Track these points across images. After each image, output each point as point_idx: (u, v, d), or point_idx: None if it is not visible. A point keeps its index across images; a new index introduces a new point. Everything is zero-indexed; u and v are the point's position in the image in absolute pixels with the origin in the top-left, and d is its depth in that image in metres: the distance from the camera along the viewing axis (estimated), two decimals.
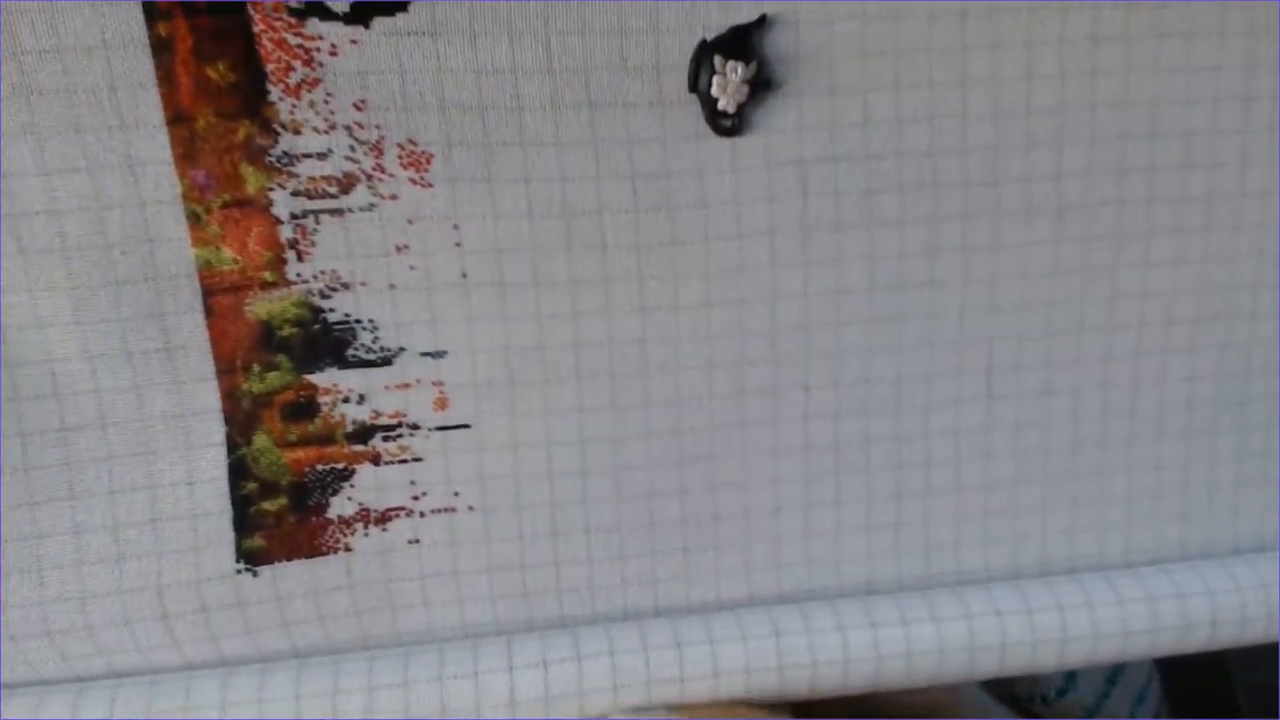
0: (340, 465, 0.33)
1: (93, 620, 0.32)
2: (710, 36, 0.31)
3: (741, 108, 0.32)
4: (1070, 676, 0.54)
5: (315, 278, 0.31)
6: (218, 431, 0.31)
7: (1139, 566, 0.39)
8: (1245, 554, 0.39)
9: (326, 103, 0.30)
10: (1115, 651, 0.37)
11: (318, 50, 0.29)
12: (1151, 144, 0.35)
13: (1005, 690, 0.54)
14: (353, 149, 0.30)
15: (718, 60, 0.31)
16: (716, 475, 0.35)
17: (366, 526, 0.33)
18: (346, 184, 0.30)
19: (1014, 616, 0.36)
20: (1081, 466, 0.38)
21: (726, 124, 0.32)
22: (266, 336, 0.31)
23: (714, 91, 0.32)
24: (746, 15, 0.31)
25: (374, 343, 0.32)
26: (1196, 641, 0.37)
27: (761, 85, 0.32)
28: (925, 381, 0.36)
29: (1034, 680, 0.54)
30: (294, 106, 0.29)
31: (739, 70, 0.31)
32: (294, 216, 0.30)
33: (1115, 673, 0.55)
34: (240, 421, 0.32)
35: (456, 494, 0.34)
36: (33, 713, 0.31)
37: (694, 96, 0.32)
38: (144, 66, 0.28)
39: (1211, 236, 0.36)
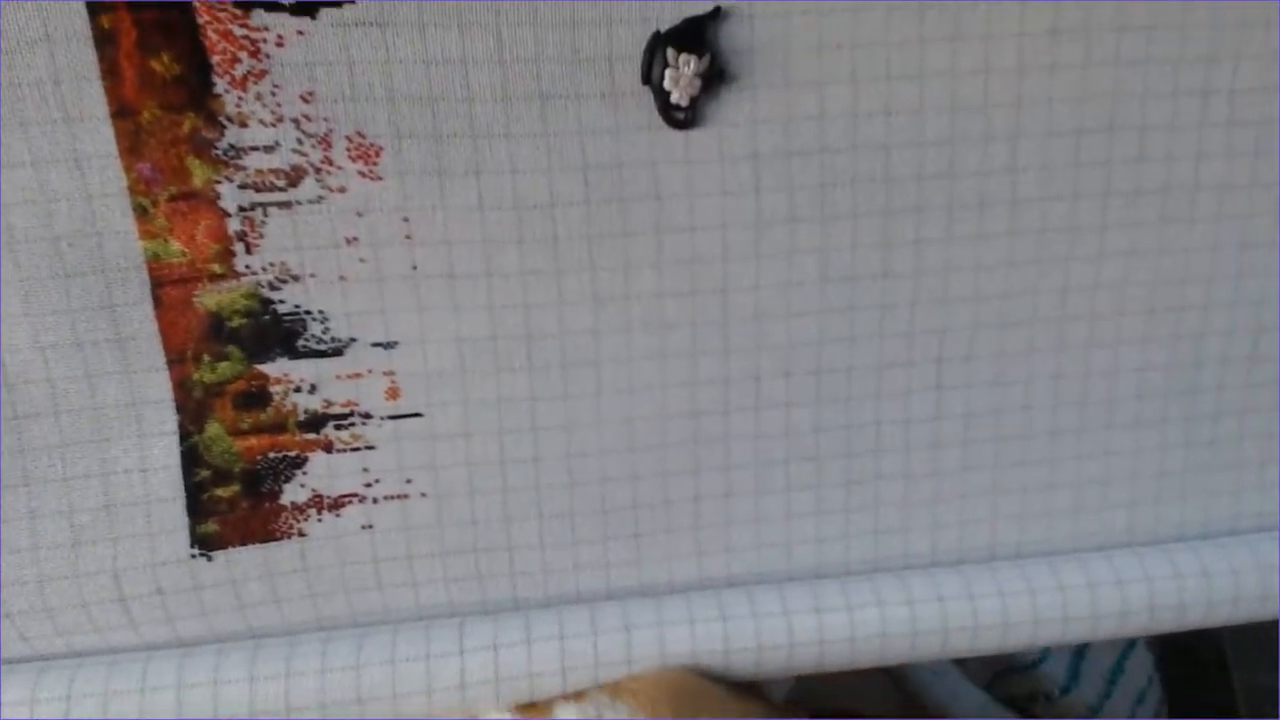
0: (293, 453, 0.33)
1: (50, 602, 0.32)
2: (664, 28, 0.31)
3: (695, 100, 0.32)
4: (1074, 676, 0.55)
5: (264, 269, 0.31)
6: (170, 420, 0.32)
7: (1085, 553, 0.39)
8: (1190, 541, 0.40)
9: (274, 95, 0.29)
10: (1055, 636, 0.38)
11: (264, 42, 0.29)
12: (1109, 137, 0.35)
13: (1004, 692, 0.55)
14: (300, 141, 0.30)
15: (670, 53, 0.31)
16: (668, 462, 0.36)
17: (320, 512, 0.34)
18: (294, 176, 0.30)
19: (955, 602, 0.37)
20: (1031, 455, 0.38)
21: (679, 116, 0.32)
22: (216, 327, 0.31)
23: (667, 84, 0.31)
24: (700, 7, 0.31)
25: (324, 333, 0.32)
26: (1134, 627, 0.38)
27: (715, 78, 0.32)
28: (876, 372, 0.36)
29: (1036, 680, 0.54)
30: (240, 99, 0.29)
31: (692, 63, 0.31)
32: (242, 209, 0.30)
33: (1116, 672, 0.56)
34: (192, 410, 0.32)
35: (409, 481, 0.34)
36: None
37: (647, 89, 0.32)
38: (87, 59, 0.28)
39: (1166, 229, 0.36)
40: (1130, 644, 0.57)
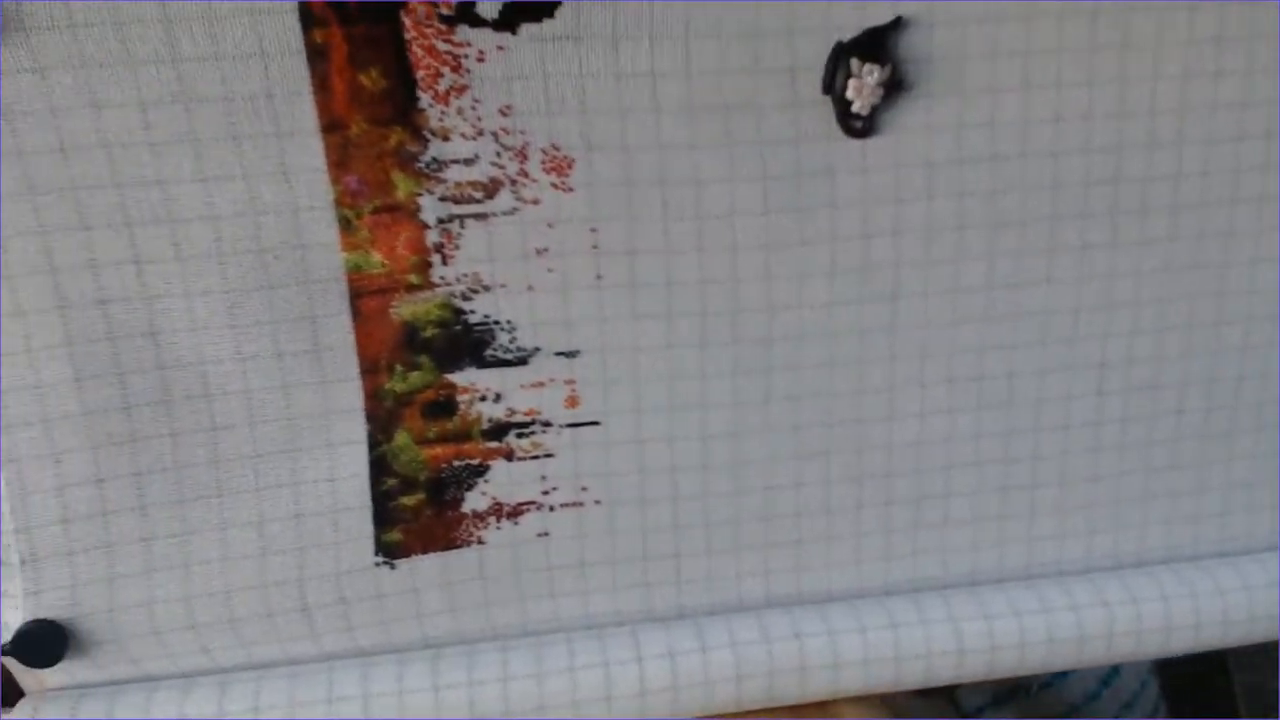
0: (476, 461, 0.33)
1: (237, 613, 0.33)
2: (845, 38, 0.31)
3: (874, 110, 0.32)
4: (1061, 672, 0.54)
5: (458, 280, 0.31)
6: (360, 429, 0.32)
7: (1234, 556, 0.39)
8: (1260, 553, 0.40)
9: (474, 109, 0.30)
10: (1216, 639, 0.38)
11: (466, 56, 0.29)
12: (1266, 144, 0.35)
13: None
14: (498, 154, 0.30)
15: (854, 63, 0.31)
16: (833, 469, 0.36)
17: (499, 520, 0.34)
18: (491, 189, 0.31)
19: (1121, 607, 0.37)
20: (1181, 459, 0.38)
21: (858, 125, 0.32)
22: (410, 337, 0.32)
23: (849, 94, 0.32)
24: (881, 17, 0.31)
25: (511, 343, 0.32)
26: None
27: (895, 87, 0.32)
28: (1038, 378, 0.36)
29: None
30: (443, 113, 0.30)
31: (875, 73, 0.32)
32: (440, 221, 0.31)
33: (1111, 674, 0.55)
34: (382, 419, 0.32)
35: (584, 488, 0.34)
36: (178, 705, 0.32)
37: (826, 99, 0.32)
38: (300, 74, 0.28)
39: None
40: None
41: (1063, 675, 0.53)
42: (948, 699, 0.39)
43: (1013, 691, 0.52)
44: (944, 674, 0.36)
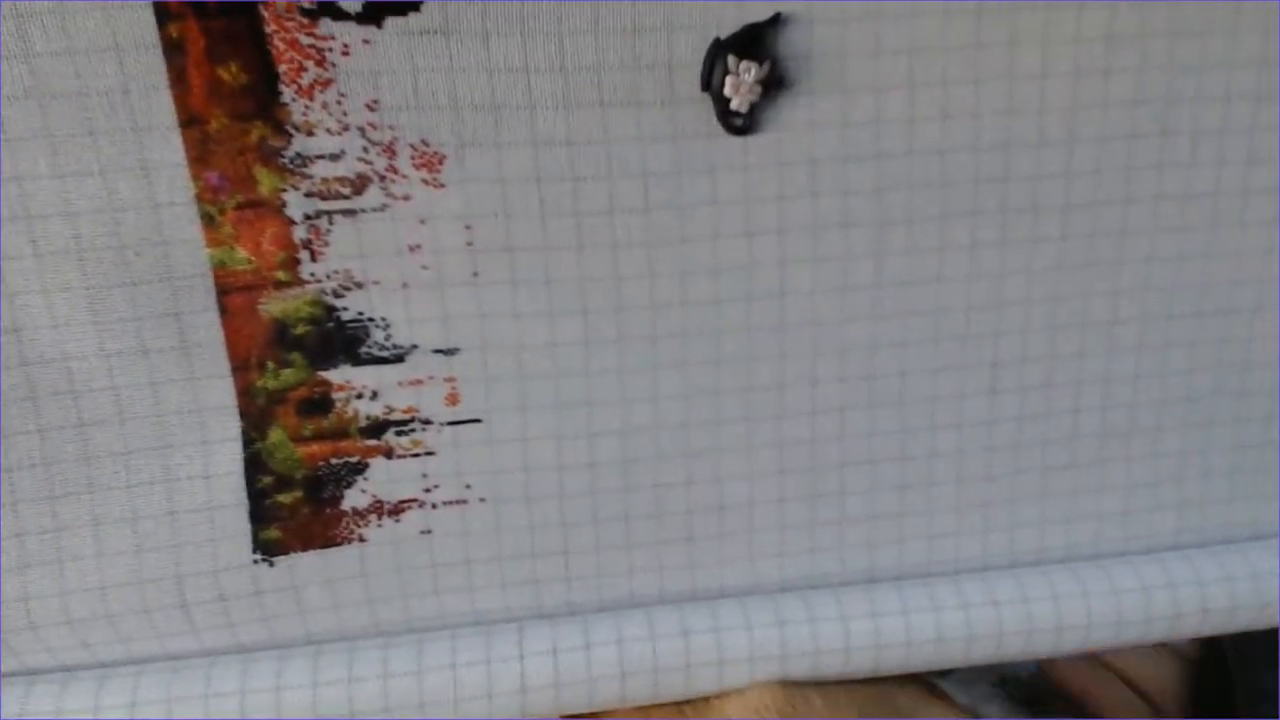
0: (354, 459, 0.33)
1: (113, 609, 0.33)
2: (724, 35, 0.31)
3: (754, 107, 0.32)
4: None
5: (329, 277, 0.31)
6: (233, 427, 0.32)
7: (1134, 555, 0.39)
8: (1240, 543, 0.40)
9: (339, 103, 0.29)
10: (1109, 639, 0.38)
11: (330, 50, 0.29)
12: (1161, 142, 0.35)
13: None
14: (365, 150, 0.30)
15: (731, 60, 0.31)
16: (723, 467, 0.36)
17: (380, 518, 0.34)
18: (359, 185, 0.30)
19: (1011, 606, 0.37)
20: (1080, 458, 0.38)
21: (738, 123, 0.32)
22: (281, 334, 0.31)
23: (727, 91, 0.31)
24: (760, 13, 0.31)
25: (386, 340, 0.32)
26: (1187, 629, 0.38)
27: (774, 84, 0.32)
28: (930, 376, 0.36)
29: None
30: (307, 107, 0.29)
31: (753, 70, 0.31)
32: (307, 217, 0.30)
33: None
34: (255, 417, 0.32)
35: (468, 486, 0.34)
36: (56, 699, 0.32)
37: (706, 95, 0.32)
38: (156, 68, 0.28)
39: (1216, 233, 0.36)
40: None
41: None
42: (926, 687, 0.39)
43: (1003, 680, 0.53)
44: (829, 670, 0.36)
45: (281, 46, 0.29)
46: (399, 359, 0.32)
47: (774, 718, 0.35)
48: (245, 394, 0.32)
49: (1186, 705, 0.48)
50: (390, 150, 0.30)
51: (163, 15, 0.28)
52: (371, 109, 0.30)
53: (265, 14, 0.28)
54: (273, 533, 0.33)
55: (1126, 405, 0.38)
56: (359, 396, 0.32)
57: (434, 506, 0.34)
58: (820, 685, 0.36)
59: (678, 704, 0.36)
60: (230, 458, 0.32)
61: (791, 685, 0.36)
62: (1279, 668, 0.45)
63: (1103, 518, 0.39)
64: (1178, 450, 0.39)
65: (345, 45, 0.29)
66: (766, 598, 0.37)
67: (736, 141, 0.32)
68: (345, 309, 0.31)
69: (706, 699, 0.35)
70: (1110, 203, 0.35)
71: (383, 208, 0.31)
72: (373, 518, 0.34)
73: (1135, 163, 0.35)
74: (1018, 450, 0.38)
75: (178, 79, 0.28)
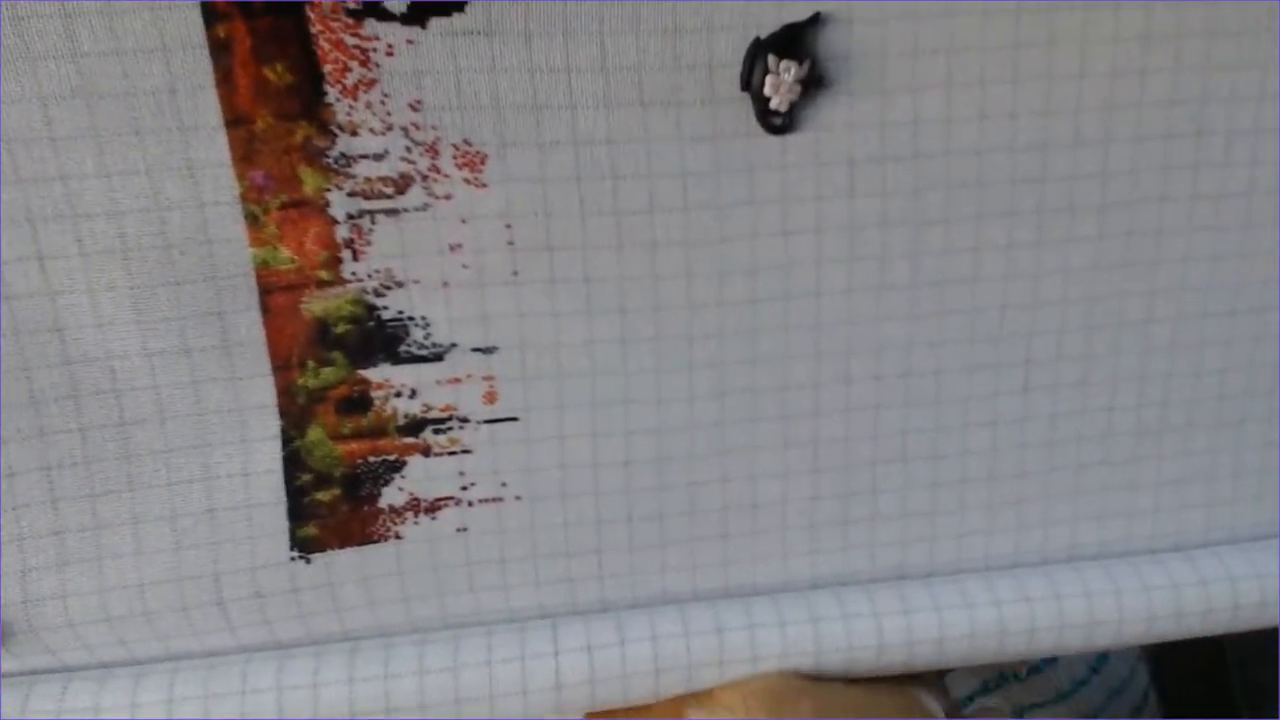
0: (392, 457, 0.33)
1: (151, 606, 0.33)
2: (764, 35, 0.31)
3: (793, 106, 0.32)
4: (1050, 657, 0.54)
5: (370, 276, 0.31)
6: (273, 425, 0.32)
7: (1164, 553, 0.40)
8: (1266, 541, 0.40)
9: (383, 103, 0.29)
10: (1139, 636, 0.38)
11: (374, 51, 0.29)
12: (1196, 142, 0.35)
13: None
14: (409, 150, 0.30)
15: (771, 59, 0.31)
16: (757, 465, 0.36)
17: (416, 515, 0.34)
18: (402, 184, 0.30)
19: (1043, 603, 0.37)
20: (1112, 456, 0.38)
21: (777, 122, 0.32)
22: (322, 333, 0.31)
23: (767, 90, 0.31)
24: (800, 13, 0.31)
25: (426, 339, 0.32)
26: (1217, 626, 0.39)
27: (813, 84, 0.32)
28: (965, 374, 0.36)
29: None
30: (351, 108, 0.29)
31: (792, 70, 0.31)
32: (350, 217, 0.30)
33: (1099, 661, 0.55)
34: (295, 415, 0.32)
35: (504, 484, 0.34)
36: (94, 696, 0.32)
37: (746, 95, 0.32)
38: (203, 68, 0.28)
39: (1250, 233, 0.36)
40: None
41: (1052, 661, 0.54)
42: (936, 685, 0.39)
43: (1002, 678, 0.53)
44: (862, 667, 0.36)
45: (326, 47, 0.29)
46: (438, 358, 0.32)
47: (762, 716, 0.35)
48: (285, 393, 0.32)
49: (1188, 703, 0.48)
50: (433, 150, 0.30)
51: (210, 15, 0.28)
52: (415, 109, 0.30)
53: (311, 14, 0.28)
54: (310, 530, 0.33)
55: (1159, 403, 0.38)
56: (398, 395, 0.33)
57: (470, 504, 0.34)
58: (821, 681, 0.36)
59: (680, 697, 0.36)
60: (269, 456, 0.32)
61: (789, 680, 0.35)
62: (1279, 665, 0.45)
63: (1134, 515, 0.39)
64: (1209, 448, 0.39)
65: (390, 46, 0.29)
66: (799, 595, 0.37)
67: (775, 141, 0.32)
68: (386, 308, 0.32)
69: (710, 691, 0.35)
70: (1146, 202, 0.35)
71: (425, 207, 0.31)
72: (409, 515, 0.34)
73: (1171, 162, 0.35)
74: (1051, 448, 0.38)
75: (224, 79, 0.28)
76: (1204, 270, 0.36)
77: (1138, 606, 0.38)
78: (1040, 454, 0.38)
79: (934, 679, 0.39)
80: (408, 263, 0.31)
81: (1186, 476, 0.39)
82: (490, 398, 0.33)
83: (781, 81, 0.31)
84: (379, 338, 0.32)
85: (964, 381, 0.36)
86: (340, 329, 0.31)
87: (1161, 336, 0.37)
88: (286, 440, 0.32)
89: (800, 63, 0.31)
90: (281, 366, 0.31)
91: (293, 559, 0.33)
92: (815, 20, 0.31)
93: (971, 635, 0.37)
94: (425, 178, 0.30)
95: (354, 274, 0.31)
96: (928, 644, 0.36)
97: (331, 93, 0.29)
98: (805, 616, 0.36)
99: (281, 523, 0.33)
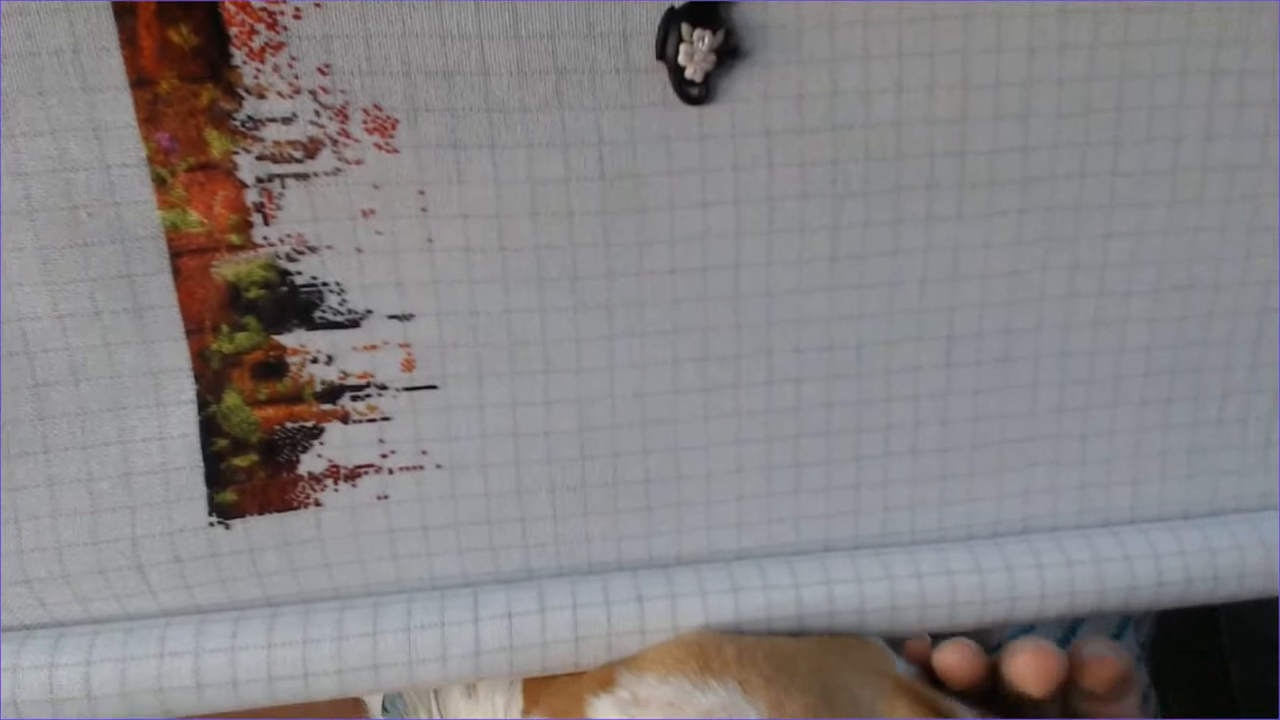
0: (310, 423, 0.33)
1: (69, 569, 0.33)
2: (678, 3, 0.31)
3: (709, 76, 0.32)
4: (1028, 629, 0.54)
5: (282, 240, 0.31)
6: (188, 389, 0.32)
7: (1090, 529, 0.40)
8: (1194, 519, 0.40)
9: (291, 67, 0.30)
10: (1063, 608, 0.38)
11: (281, 14, 0.29)
12: (1117, 117, 0.35)
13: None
14: (318, 113, 0.30)
15: (685, 28, 0.31)
16: (680, 437, 0.36)
17: (336, 483, 0.34)
18: (311, 148, 0.30)
19: (964, 576, 0.37)
20: (1037, 432, 0.38)
21: (693, 92, 0.32)
22: (234, 298, 0.31)
23: (681, 59, 0.32)
24: None
25: (341, 305, 0.32)
26: (1141, 602, 0.39)
27: (729, 54, 0.32)
28: (886, 348, 0.36)
29: (986, 633, 0.54)
30: (258, 70, 0.29)
31: (706, 39, 0.31)
32: (259, 180, 0.30)
33: (1070, 633, 0.55)
34: (210, 380, 0.32)
35: (424, 452, 0.34)
36: (13, 657, 0.32)
37: (661, 64, 0.32)
38: (107, 29, 0.28)
39: (1174, 210, 0.36)
40: (1118, 631, 0.57)
41: (1028, 629, 0.53)
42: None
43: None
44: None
45: (233, 9, 0.29)
46: (354, 324, 0.33)
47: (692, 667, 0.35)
48: (199, 357, 0.32)
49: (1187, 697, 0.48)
50: (342, 114, 0.30)
51: None
52: (323, 73, 0.30)
53: None
54: (229, 496, 0.33)
55: (1083, 380, 0.38)
56: (314, 361, 0.33)
57: (390, 472, 0.34)
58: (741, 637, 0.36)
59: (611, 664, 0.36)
60: (185, 420, 0.32)
61: (712, 634, 0.35)
62: (1279, 664, 0.45)
63: (1058, 492, 0.39)
64: (1135, 426, 0.39)
65: (297, 9, 0.29)
66: (721, 565, 0.37)
67: (692, 111, 0.33)
68: (299, 273, 0.32)
69: (639, 655, 0.36)
70: (1067, 177, 0.35)
71: (335, 171, 0.31)
72: (329, 482, 0.34)
73: (1091, 139, 0.35)
74: (974, 423, 0.38)
75: (128, 40, 0.28)
76: (1127, 247, 0.37)
77: (1060, 581, 0.38)
78: (964, 430, 0.38)
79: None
80: (319, 228, 0.31)
81: (1112, 455, 0.39)
82: (408, 365, 0.33)
83: (696, 50, 0.32)
84: (293, 303, 0.32)
85: (885, 355, 0.36)
86: (253, 293, 0.32)
87: (1084, 313, 0.37)
88: (202, 405, 0.32)
89: (714, 32, 0.31)
90: (194, 330, 0.32)
91: (211, 524, 0.33)
92: None
93: (893, 608, 0.37)
94: (335, 142, 0.31)
95: (265, 238, 0.31)
96: (848, 614, 0.36)
97: (238, 55, 0.29)
98: (727, 586, 0.36)
99: (199, 488, 0.33)
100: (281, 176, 0.31)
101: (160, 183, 0.30)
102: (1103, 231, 0.36)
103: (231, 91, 0.29)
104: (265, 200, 0.31)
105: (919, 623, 0.37)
